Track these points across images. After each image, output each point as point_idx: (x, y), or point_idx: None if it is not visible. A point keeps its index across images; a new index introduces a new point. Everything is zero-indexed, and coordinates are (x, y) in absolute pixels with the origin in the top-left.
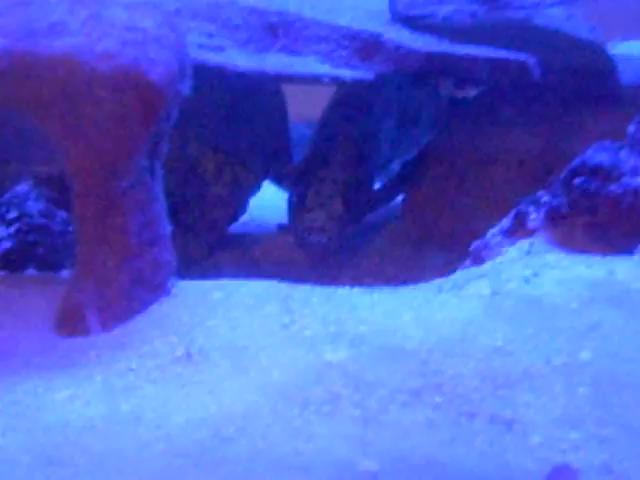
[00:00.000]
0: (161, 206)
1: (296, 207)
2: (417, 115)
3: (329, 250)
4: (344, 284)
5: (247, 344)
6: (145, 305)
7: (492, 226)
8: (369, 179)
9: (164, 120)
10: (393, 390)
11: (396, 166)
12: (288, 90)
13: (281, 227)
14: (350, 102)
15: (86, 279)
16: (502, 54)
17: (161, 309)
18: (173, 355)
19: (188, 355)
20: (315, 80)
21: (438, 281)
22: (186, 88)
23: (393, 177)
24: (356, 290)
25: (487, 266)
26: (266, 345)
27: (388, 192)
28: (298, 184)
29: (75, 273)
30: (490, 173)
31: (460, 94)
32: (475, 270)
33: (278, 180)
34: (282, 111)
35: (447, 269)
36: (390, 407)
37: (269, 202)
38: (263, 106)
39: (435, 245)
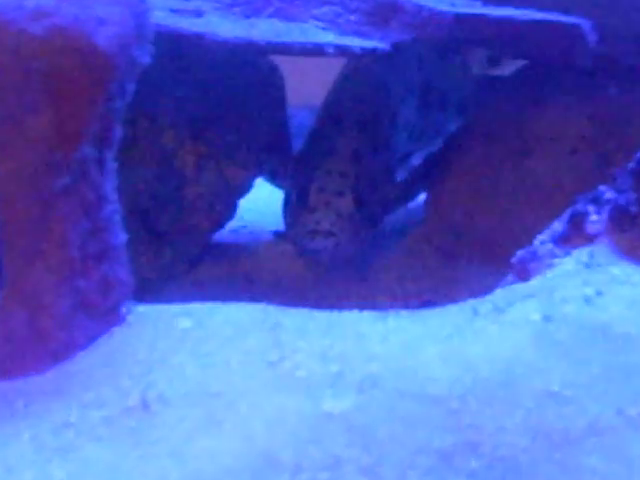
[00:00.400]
0: (113, 209)
1: (296, 207)
2: (443, 97)
3: (338, 259)
4: (352, 306)
5: (222, 389)
6: (90, 337)
7: (540, 231)
8: (386, 172)
9: (115, 97)
10: (414, 452)
11: (417, 159)
12: (285, 68)
13: (278, 234)
14: (361, 78)
15: (14, 304)
16: (548, 16)
17: (111, 342)
18: (125, 404)
19: (144, 404)
20: (317, 51)
21: (472, 302)
22: (145, 56)
23: (414, 172)
24: (367, 315)
25: (536, 282)
26: (247, 390)
27: (408, 190)
28: (297, 178)
29: (1, 297)
30: (535, 166)
31: (495, 71)
32: (520, 288)
33: (273, 176)
34: (278, 92)
35: (483, 286)
36: (410, 475)
37: (263, 204)
38: (254, 85)
39: (467, 256)
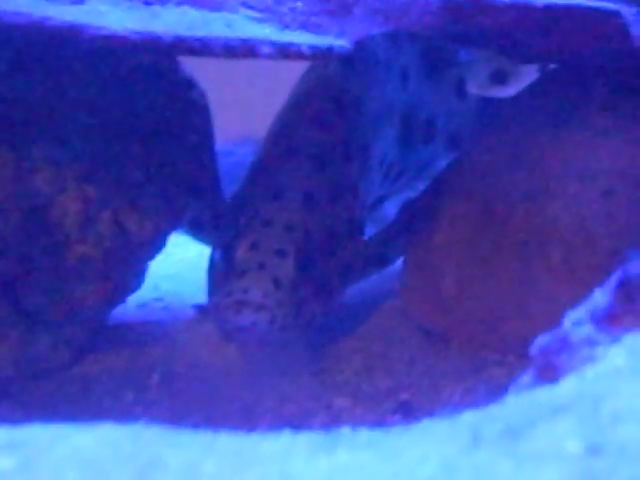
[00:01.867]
0: None
1: (219, 270)
2: (430, 125)
3: (272, 342)
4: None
5: None
6: None
7: (566, 306)
8: (350, 225)
9: None
10: None
11: (391, 207)
12: (221, 86)
13: (201, 309)
14: (323, 95)
15: None
16: (575, 1)
17: None
18: None
19: None
20: (247, 51)
21: (471, 418)
22: None
23: (390, 225)
24: (303, 441)
25: (569, 386)
26: None
27: (381, 251)
28: (225, 230)
29: None
30: (554, 214)
31: (500, 91)
32: (546, 395)
33: (196, 228)
34: (200, 113)
35: (482, 382)
36: None
37: (188, 269)
38: (164, 103)
39: (460, 339)
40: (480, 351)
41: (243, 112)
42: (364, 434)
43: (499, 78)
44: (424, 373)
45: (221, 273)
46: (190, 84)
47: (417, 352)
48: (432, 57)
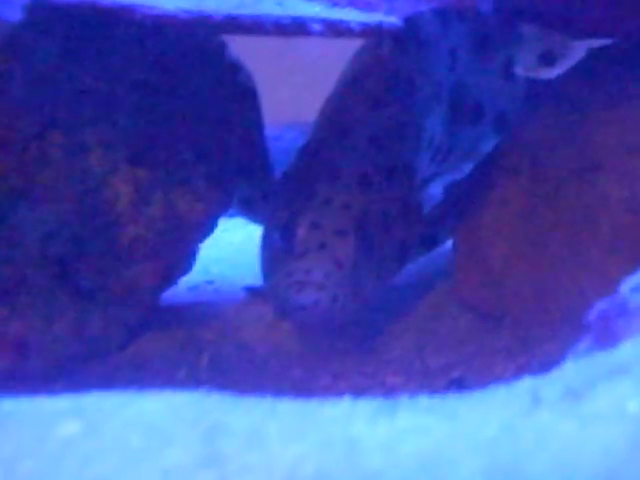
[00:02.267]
0: None
1: (277, 251)
2: (478, 106)
3: (334, 321)
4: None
5: None
6: None
7: (619, 278)
8: (404, 206)
9: None
10: None
11: (436, 189)
12: (268, 69)
13: (252, 291)
14: (378, 74)
15: None
16: None
17: None
18: None
19: None
20: (297, 29)
21: (530, 383)
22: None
23: (438, 205)
24: (364, 407)
25: (628, 350)
26: None
27: (433, 231)
28: (281, 210)
29: None
30: (606, 188)
31: (548, 73)
32: (604, 358)
33: (247, 207)
34: (249, 94)
35: (536, 359)
36: None
37: (238, 252)
38: (215, 86)
39: (512, 317)
40: (532, 328)
41: (290, 96)
42: (423, 400)
43: (548, 60)
44: (476, 351)
45: (279, 253)
46: (237, 66)
47: (468, 331)
48: (481, 38)
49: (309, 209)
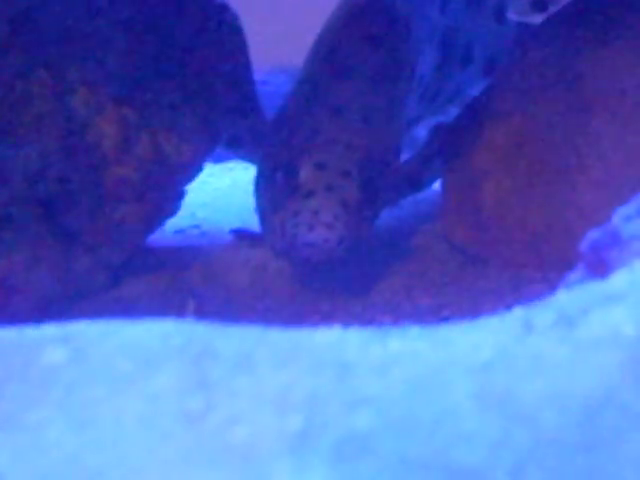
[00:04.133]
0: None
1: (279, 190)
2: (467, 50)
3: (336, 262)
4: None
5: (106, 465)
6: None
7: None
8: (396, 144)
9: None
10: None
11: (421, 131)
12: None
13: (238, 234)
14: (372, 12)
15: None
16: None
17: None
18: None
19: None
20: None
21: (523, 311)
22: None
23: (424, 147)
24: (355, 334)
25: (621, 279)
26: (147, 466)
27: (416, 172)
28: (281, 149)
29: None
30: (597, 127)
31: (539, 18)
32: (597, 287)
33: (236, 144)
34: (235, 34)
35: (525, 300)
36: None
37: (223, 197)
38: (200, 23)
39: (500, 258)
40: (520, 270)
41: (275, 41)
42: (415, 328)
43: (540, 5)
44: (464, 292)
45: (282, 192)
46: (223, 6)
47: (456, 272)
48: None
49: (312, 149)
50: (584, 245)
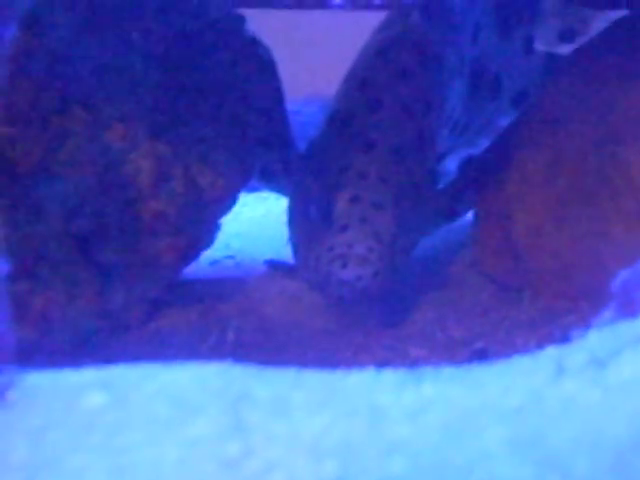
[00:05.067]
0: None
1: (314, 224)
2: (496, 81)
3: (371, 296)
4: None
5: None
6: None
7: None
8: (430, 177)
9: None
10: None
11: (452, 163)
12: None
13: (272, 265)
14: (404, 44)
15: None
16: None
17: None
18: None
19: None
20: (317, 2)
21: (554, 351)
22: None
23: (458, 177)
24: (389, 377)
25: None
26: None
27: (450, 203)
28: (313, 182)
29: None
30: (629, 157)
31: (566, 49)
32: (628, 328)
33: (268, 176)
34: (268, 68)
35: (558, 331)
36: None
37: (257, 227)
38: (235, 59)
39: (533, 289)
40: (553, 301)
41: (308, 72)
42: (447, 370)
43: (568, 36)
44: (497, 323)
45: (316, 226)
46: (255, 41)
47: (489, 303)
48: (504, 13)
49: (346, 182)
50: (615, 285)
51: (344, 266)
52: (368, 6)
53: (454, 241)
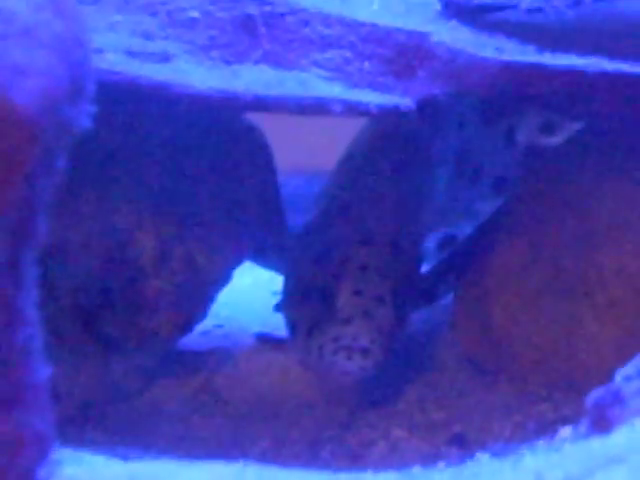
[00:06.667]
0: (31, 333)
1: (314, 312)
2: (477, 169)
3: (368, 384)
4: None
5: None
6: None
7: (615, 348)
8: (419, 264)
9: (39, 175)
10: None
11: (431, 242)
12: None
13: (262, 338)
14: (398, 138)
15: None
16: (623, 67)
17: None
18: None
19: None
20: (319, 109)
21: (532, 462)
22: (83, 117)
23: (439, 263)
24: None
25: (621, 438)
26: None
27: (434, 286)
28: (311, 270)
29: None
30: (601, 264)
31: (547, 141)
32: (600, 446)
33: (262, 256)
34: (263, 153)
35: (530, 416)
36: None
37: (244, 296)
38: (232, 148)
39: (509, 373)
40: (528, 386)
41: (291, 143)
42: (437, 475)
43: (548, 130)
44: (475, 406)
45: (318, 314)
46: (251, 128)
47: (467, 385)
48: (487, 107)
49: (348, 274)
50: (588, 402)
51: (349, 358)
52: (366, 113)
53: (436, 319)
